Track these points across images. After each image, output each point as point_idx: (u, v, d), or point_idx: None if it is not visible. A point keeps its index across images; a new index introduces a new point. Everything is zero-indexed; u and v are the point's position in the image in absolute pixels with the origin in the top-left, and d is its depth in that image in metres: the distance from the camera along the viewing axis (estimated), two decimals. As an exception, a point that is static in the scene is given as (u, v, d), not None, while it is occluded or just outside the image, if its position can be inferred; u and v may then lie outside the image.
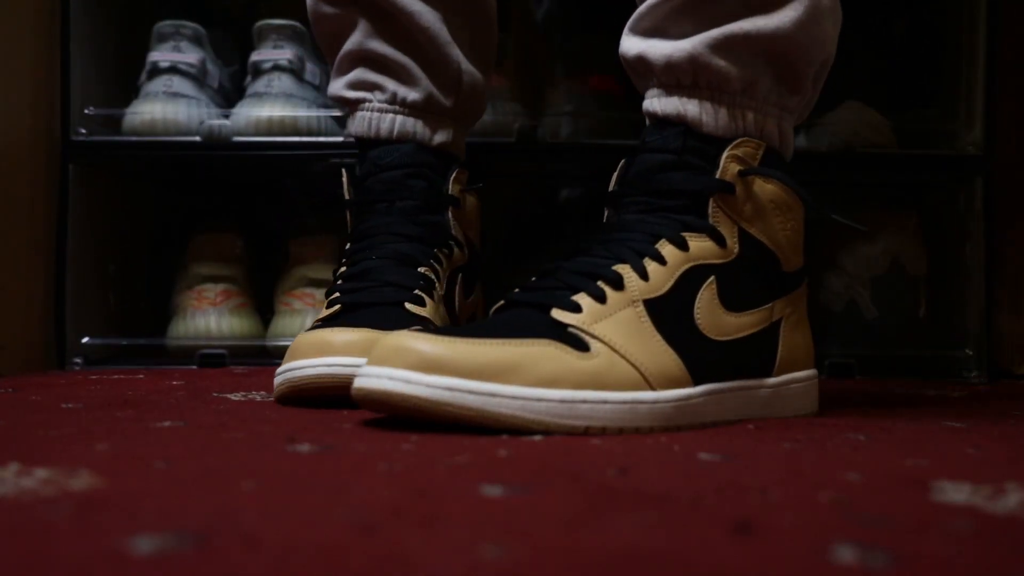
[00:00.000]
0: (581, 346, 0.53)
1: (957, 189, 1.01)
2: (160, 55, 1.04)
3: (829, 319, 1.03)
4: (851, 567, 0.27)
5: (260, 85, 1.03)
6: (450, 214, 0.75)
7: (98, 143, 1.01)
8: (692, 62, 0.59)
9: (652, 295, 0.56)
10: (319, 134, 1.02)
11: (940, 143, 1.00)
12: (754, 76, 0.59)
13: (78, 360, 1.00)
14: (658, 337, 0.55)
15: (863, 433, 0.55)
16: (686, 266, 0.57)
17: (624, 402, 0.53)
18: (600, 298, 0.55)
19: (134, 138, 1.01)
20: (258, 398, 0.68)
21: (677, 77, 0.59)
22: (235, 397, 0.68)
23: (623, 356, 0.53)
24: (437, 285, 0.71)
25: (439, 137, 0.76)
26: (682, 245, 0.57)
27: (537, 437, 0.50)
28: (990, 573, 0.27)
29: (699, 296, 0.57)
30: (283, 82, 1.02)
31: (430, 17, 0.74)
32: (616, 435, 0.52)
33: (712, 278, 0.58)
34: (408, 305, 0.68)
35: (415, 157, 0.74)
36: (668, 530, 0.31)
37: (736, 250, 0.59)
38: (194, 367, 0.99)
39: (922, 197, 1.09)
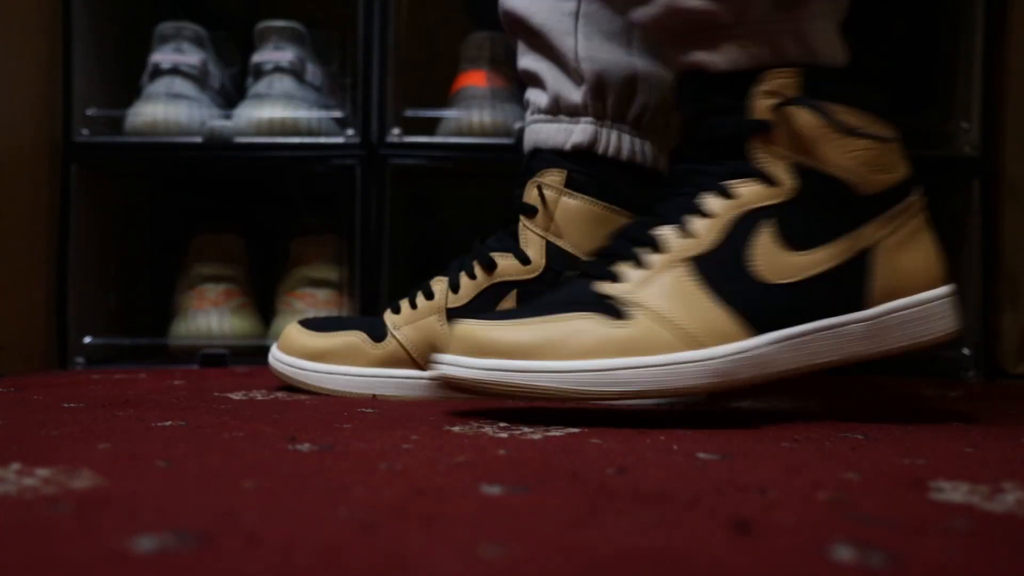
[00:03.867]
0: (620, 315, 0.54)
1: (955, 190, 1.01)
2: (162, 56, 1.04)
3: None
4: (850, 566, 0.27)
5: (261, 86, 1.03)
6: (522, 222, 0.70)
7: (100, 144, 1.01)
8: (672, 11, 0.57)
9: (697, 252, 0.55)
10: (320, 135, 1.02)
11: (938, 144, 1.00)
12: (741, 3, 0.56)
13: (80, 360, 1.01)
14: (705, 295, 0.54)
15: (862, 433, 0.55)
16: (735, 213, 0.56)
17: (664, 364, 0.53)
18: (640, 264, 0.55)
19: (136, 139, 1.01)
20: (259, 397, 0.68)
21: (669, 27, 0.58)
22: (236, 397, 0.68)
23: (668, 318, 0.53)
24: (438, 295, 0.70)
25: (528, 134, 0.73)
26: (727, 194, 0.56)
27: (537, 436, 0.50)
28: (988, 572, 0.27)
29: (755, 242, 0.56)
30: (284, 83, 1.02)
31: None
32: (612, 435, 0.52)
33: (769, 220, 0.56)
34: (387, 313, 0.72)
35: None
36: (667, 530, 0.31)
37: (793, 186, 0.56)
38: (195, 367, 0.99)
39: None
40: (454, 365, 0.55)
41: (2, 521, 0.31)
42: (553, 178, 0.68)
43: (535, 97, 0.71)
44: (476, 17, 1.12)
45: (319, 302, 1.05)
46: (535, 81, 0.71)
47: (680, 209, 0.57)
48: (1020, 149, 0.99)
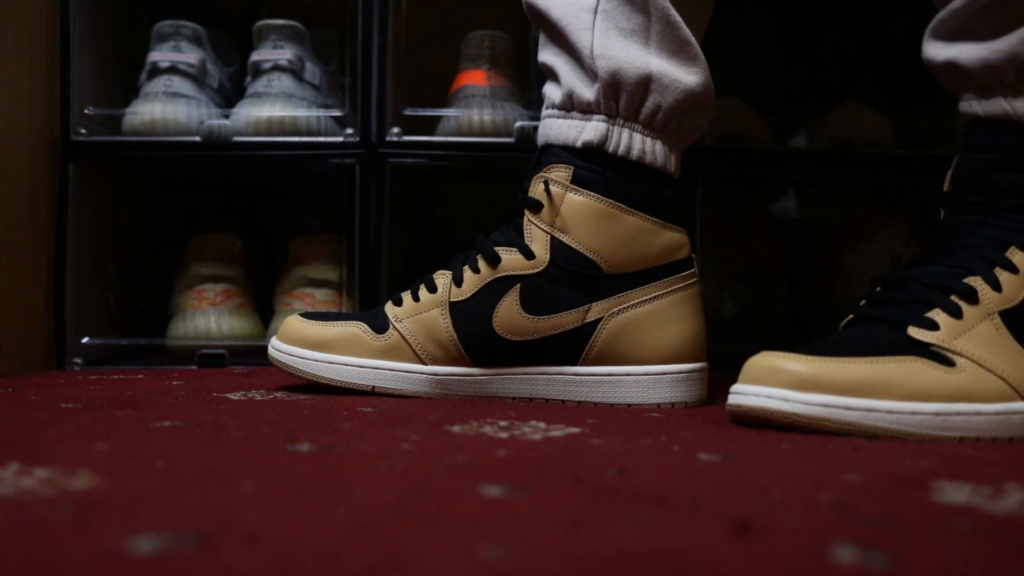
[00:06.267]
0: (946, 362, 0.55)
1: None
2: (160, 55, 1.04)
3: (828, 319, 1.03)
4: (851, 567, 0.27)
5: (260, 85, 1.03)
6: (526, 217, 0.69)
7: (98, 143, 1.01)
8: (1012, 60, 0.58)
9: (1007, 306, 0.57)
10: (319, 134, 1.02)
11: (939, 143, 1.01)
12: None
13: (78, 360, 1.00)
14: (1019, 347, 0.56)
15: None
16: None
17: (998, 413, 0.54)
18: (956, 313, 0.57)
19: (134, 138, 1.01)
20: (258, 397, 0.68)
21: (999, 77, 0.59)
22: (235, 397, 0.68)
23: (989, 369, 0.55)
24: (441, 288, 0.70)
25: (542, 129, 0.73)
26: None
27: (537, 437, 0.50)
28: (990, 573, 0.27)
29: None
30: (283, 82, 1.02)
31: None
32: (613, 436, 0.52)
33: None
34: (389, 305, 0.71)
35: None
36: (668, 530, 0.31)
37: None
38: (194, 367, 0.99)
39: (921, 197, 1.09)
40: (776, 399, 0.54)
41: (0, 522, 0.31)
42: (560, 174, 0.68)
43: (550, 91, 0.71)
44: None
45: (318, 302, 1.04)
46: (551, 75, 0.71)
47: (989, 259, 0.58)
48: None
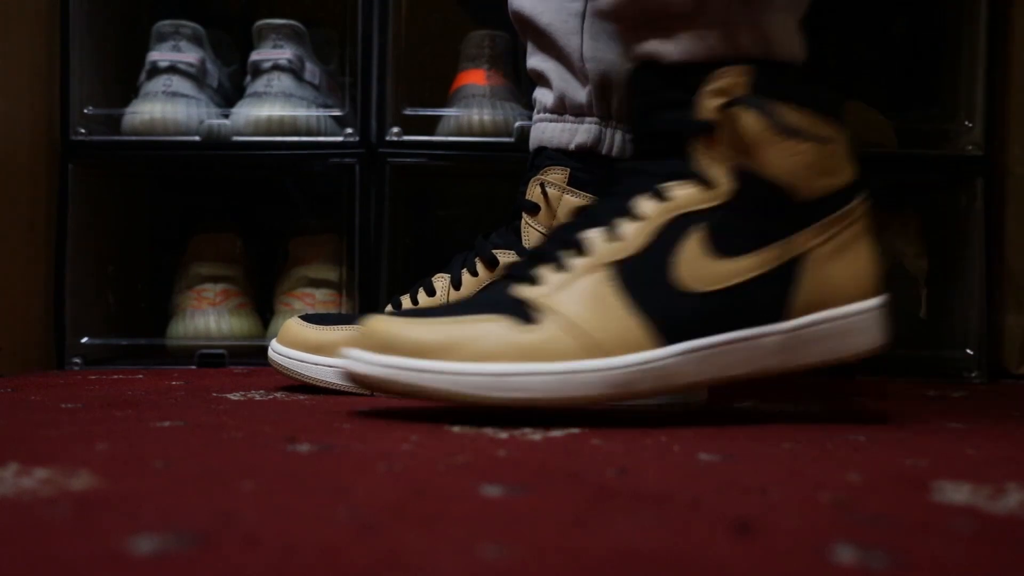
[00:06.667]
0: (529, 319, 0.53)
1: (958, 189, 1.01)
2: (159, 55, 1.04)
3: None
4: (851, 567, 0.27)
5: (259, 85, 1.03)
6: (524, 219, 0.70)
7: (97, 143, 1.01)
8: (630, 1, 0.56)
9: (622, 256, 0.54)
10: (319, 134, 1.02)
11: (940, 143, 1.00)
12: None
13: (77, 360, 1.00)
14: (620, 301, 0.53)
15: (863, 433, 0.55)
16: (666, 218, 0.54)
17: (560, 372, 0.52)
18: (561, 267, 0.55)
19: (134, 138, 1.01)
20: (257, 397, 0.68)
21: (627, 15, 0.57)
22: (235, 397, 0.68)
23: (573, 325, 0.52)
24: (439, 291, 0.71)
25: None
26: (661, 196, 0.55)
27: (537, 437, 0.50)
28: (990, 573, 0.27)
29: (682, 247, 0.54)
30: (283, 82, 1.02)
31: None
32: (613, 435, 0.52)
33: (700, 225, 0.54)
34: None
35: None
36: (668, 530, 0.31)
37: (730, 189, 0.55)
38: (193, 367, 0.99)
39: (923, 197, 1.09)
40: (357, 360, 0.54)
41: (0, 522, 0.31)
42: (556, 176, 0.68)
43: (542, 96, 0.72)
44: (474, 15, 1.12)
45: (318, 302, 1.04)
46: (542, 80, 0.71)
47: (612, 211, 0.55)
48: (1023, 148, 0.99)
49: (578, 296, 0.53)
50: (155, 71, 1.03)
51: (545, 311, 0.53)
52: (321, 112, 1.03)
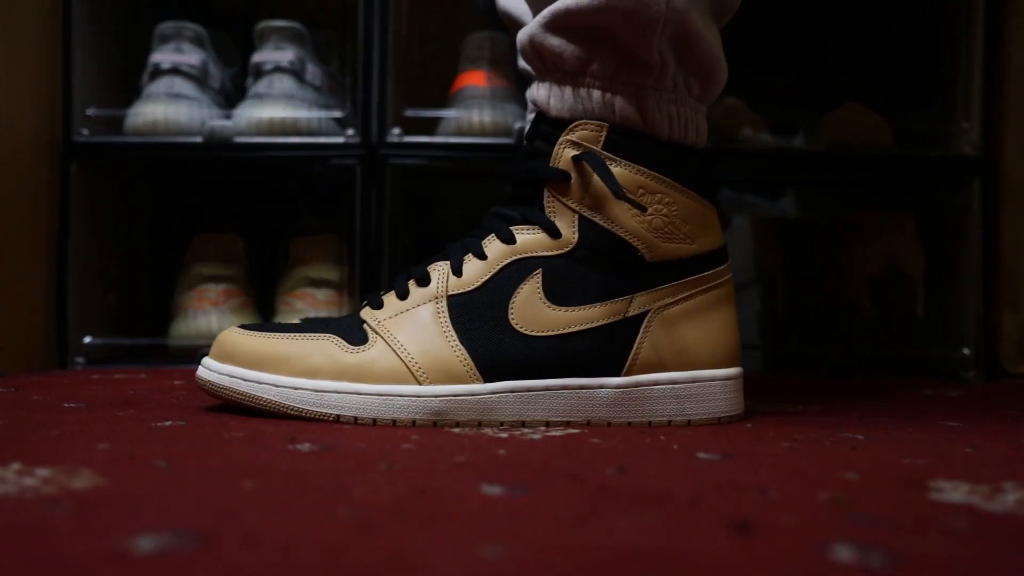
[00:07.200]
0: (359, 341, 0.56)
1: (955, 189, 1.01)
2: (162, 56, 1.04)
3: (828, 319, 1.04)
4: (850, 566, 0.27)
5: (261, 86, 1.03)
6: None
7: (100, 144, 1.01)
8: (532, 44, 0.58)
9: (459, 291, 0.57)
10: (320, 135, 1.02)
11: (938, 144, 1.01)
12: (589, 52, 0.56)
13: (80, 360, 1.00)
14: (448, 334, 0.56)
15: (862, 433, 0.55)
16: (508, 260, 0.57)
17: (378, 394, 0.55)
18: (403, 295, 0.58)
19: (136, 139, 1.01)
20: (259, 398, 0.68)
21: (529, 61, 0.59)
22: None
23: (395, 351, 0.56)
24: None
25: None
26: (509, 239, 0.57)
27: (537, 436, 0.51)
28: (988, 572, 0.27)
29: (519, 290, 0.56)
30: (284, 83, 1.02)
31: None
32: (613, 435, 0.52)
33: (538, 271, 0.57)
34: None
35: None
36: (667, 529, 0.31)
37: (574, 241, 0.57)
38: (195, 367, 0.99)
39: (920, 197, 1.09)
40: (204, 368, 0.58)
41: (2, 521, 0.31)
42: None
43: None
44: (487, 13, 1.12)
45: (319, 302, 1.05)
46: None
47: (464, 248, 0.58)
48: (1021, 149, 1.00)
49: (410, 324, 0.57)
50: (157, 72, 1.03)
51: (376, 334, 0.57)
52: (322, 113, 1.03)
